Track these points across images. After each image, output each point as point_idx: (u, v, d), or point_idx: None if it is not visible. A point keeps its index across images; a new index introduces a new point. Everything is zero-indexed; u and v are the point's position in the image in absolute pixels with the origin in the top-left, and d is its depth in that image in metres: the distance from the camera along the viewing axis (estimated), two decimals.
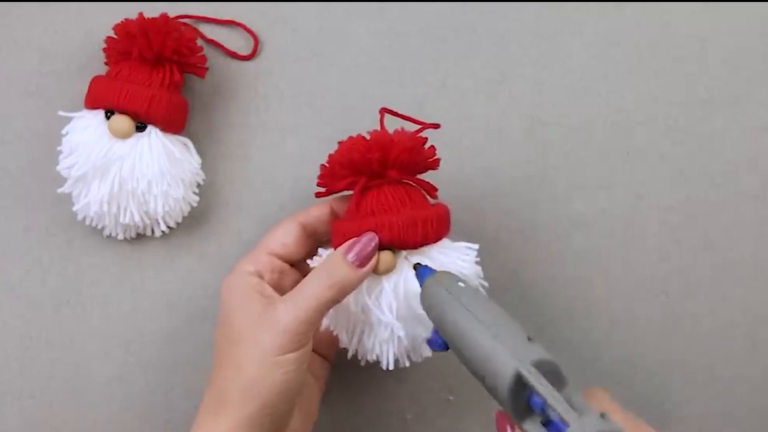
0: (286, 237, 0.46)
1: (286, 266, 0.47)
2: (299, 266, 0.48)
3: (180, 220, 0.54)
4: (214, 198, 0.55)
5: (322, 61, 0.57)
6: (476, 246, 0.46)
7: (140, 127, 0.51)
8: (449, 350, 0.40)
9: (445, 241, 0.46)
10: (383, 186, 0.45)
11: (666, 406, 0.54)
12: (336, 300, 0.43)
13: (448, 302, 0.39)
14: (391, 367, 0.45)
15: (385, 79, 0.56)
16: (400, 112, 0.49)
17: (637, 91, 0.57)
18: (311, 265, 0.45)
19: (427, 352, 0.45)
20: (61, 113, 0.52)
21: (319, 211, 0.47)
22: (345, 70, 0.57)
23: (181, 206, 0.53)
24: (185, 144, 0.53)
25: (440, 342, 0.41)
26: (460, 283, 0.40)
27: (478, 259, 0.46)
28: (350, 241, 0.43)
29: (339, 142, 0.45)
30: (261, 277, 0.45)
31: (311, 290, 0.42)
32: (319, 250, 0.46)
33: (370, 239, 0.43)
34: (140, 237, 0.54)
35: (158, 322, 0.54)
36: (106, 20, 0.52)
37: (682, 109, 0.57)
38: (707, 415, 0.54)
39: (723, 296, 0.55)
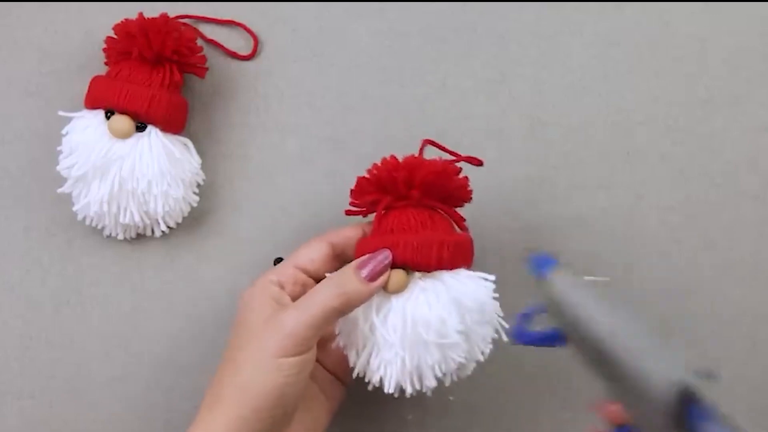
0: (314, 253, 0.46)
1: (310, 281, 0.47)
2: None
3: (180, 220, 0.54)
4: (214, 198, 0.55)
5: (322, 61, 0.57)
6: (493, 277, 0.46)
7: (140, 127, 0.51)
8: (563, 346, 0.38)
9: (461, 270, 0.45)
10: (408, 207, 0.45)
11: None
12: (342, 311, 0.43)
13: (592, 299, 0.37)
14: (392, 391, 0.44)
15: (385, 79, 0.56)
16: (444, 146, 0.49)
17: (637, 91, 0.57)
18: (327, 275, 0.45)
19: (433, 382, 0.44)
20: (61, 113, 0.52)
21: (351, 233, 0.47)
22: (345, 70, 0.57)
23: (181, 206, 0.53)
24: (185, 144, 0.53)
25: (556, 337, 0.39)
26: (586, 278, 0.39)
27: (496, 295, 0.46)
28: (364, 256, 0.44)
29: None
30: (282, 287, 0.45)
31: (318, 297, 0.43)
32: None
33: (383, 255, 0.44)
34: (140, 237, 0.54)
35: (158, 322, 0.54)
36: (106, 20, 0.52)
37: (682, 109, 0.57)
38: None
39: (723, 296, 0.55)
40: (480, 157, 0.55)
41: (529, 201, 0.55)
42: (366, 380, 0.45)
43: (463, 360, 0.44)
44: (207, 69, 0.54)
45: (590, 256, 0.55)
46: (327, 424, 0.48)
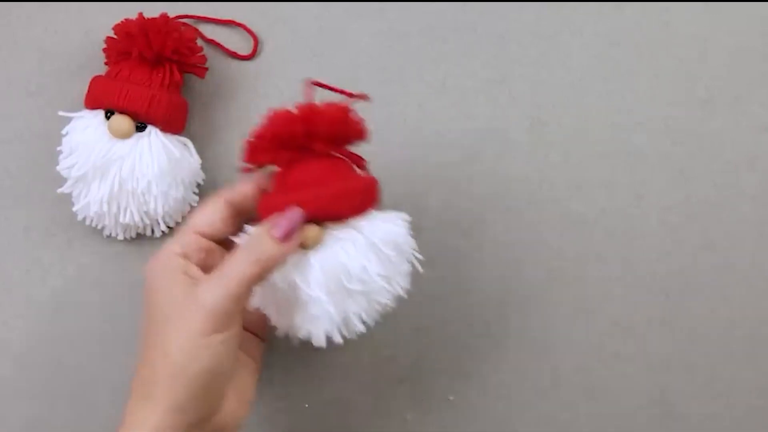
0: (212, 215, 0.44)
1: (214, 245, 0.45)
2: (227, 245, 0.46)
3: (180, 220, 0.54)
4: None
5: (322, 61, 0.57)
6: (406, 215, 0.45)
7: (140, 127, 0.51)
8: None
9: (373, 213, 0.44)
10: (310, 159, 0.43)
11: (666, 405, 0.54)
12: (261, 276, 0.41)
13: None
14: (323, 344, 0.43)
15: (385, 79, 0.56)
16: (327, 84, 0.47)
17: (637, 91, 0.57)
18: (237, 243, 0.43)
19: (361, 328, 0.44)
20: (61, 113, 0.52)
21: (245, 188, 0.45)
22: (345, 70, 0.57)
23: (181, 206, 0.53)
24: (185, 144, 0.53)
25: None
26: None
27: (408, 224, 0.45)
28: (275, 216, 0.42)
29: (264, 116, 0.44)
30: (187, 257, 0.43)
31: (235, 268, 0.41)
32: (246, 227, 0.44)
33: (294, 213, 0.42)
34: (140, 237, 0.54)
35: None
36: (106, 20, 0.52)
37: (682, 109, 0.57)
38: (707, 415, 0.54)
39: (723, 296, 0.55)
40: (480, 157, 0.55)
41: (529, 201, 0.55)
42: (290, 336, 0.44)
43: (387, 301, 0.44)
44: (207, 69, 0.54)
45: (590, 256, 0.55)
46: (255, 383, 0.46)
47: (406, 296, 0.45)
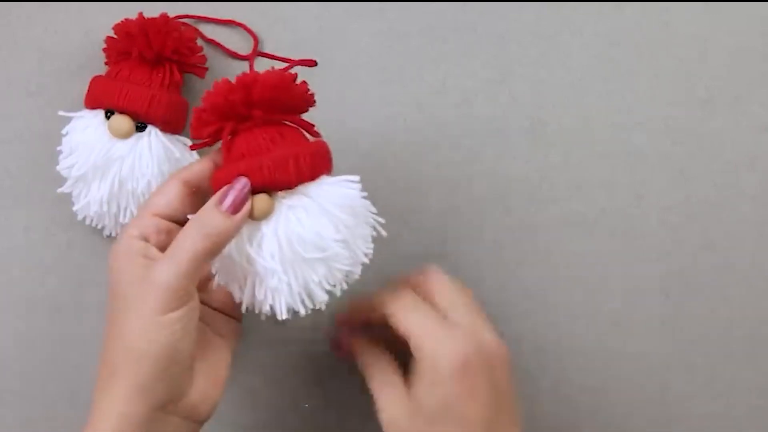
0: (168, 195, 0.44)
1: (173, 226, 0.44)
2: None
3: None
4: None
5: (322, 61, 0.57)
6: (357, 177, 0.44)
7: (140, 127, 0.51)
8: None
9: (323, 178, 0.43)
10: (253, 128, 0.43)
11: (666, 405, 0.54)
12: (213, 251, 0.41)
13: None
14: (285, 316, 0.42)
15: (385, 79, 0.56)
16: (270, 53, 0.46)
17: (637, 91, 0.57)
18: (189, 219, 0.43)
19: (324, 297, 0.43)
20: (61, 113, 0.52)
21: (200, 165, 0.45)
22: (345, 70, 0.57)
23: None
24: (185, 144, 0.53)
25: None
26: None
27: (365, 193, 0.44)
28: (222, 189, 0.41)
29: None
30: (146, 239, 0.43)
31: (185, 244, 0.40)
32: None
33: (241, 184, 0.41)
34: None
35: None
36: (106, 20, 0.52)
37: (682, 109, 0.57)
38: (707, 415, 0.54)
39: (723, 296, 0.55)
40: (480, 157, 0.55)
41: (529, 201, 0.55)
42: (256, 312, 0.44)
43: (348, 267, 0.43)
44: (207, 69, 0.54)
45: (590, 256, 0.55)
46: (229, 364, 0.46)
47: (368, 261, 0.44)
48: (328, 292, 0.43)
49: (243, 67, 0.56)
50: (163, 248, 0.42)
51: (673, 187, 0.56)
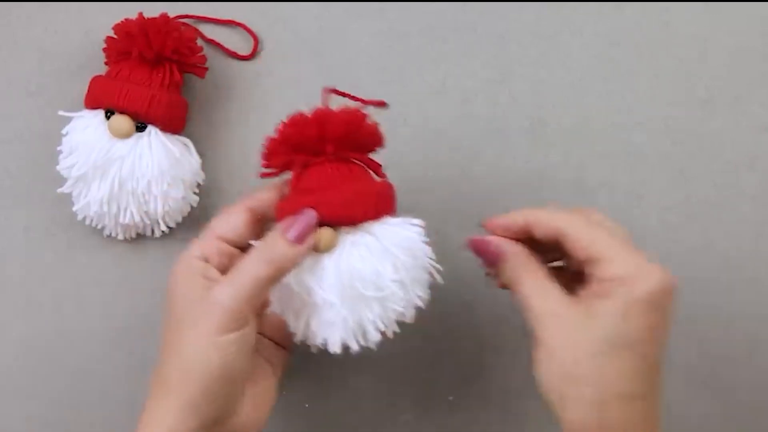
0: (233, 221, 0.45)
1: (235, 251, 0.45)
2: (248, 251, 0.46)
3: (180, 220, 0.54)
4: (214, 198, 0.55)
5: (322, 61, 0.57)
6: (419, 221, 0.45)
7: (140, 127, 0.51)
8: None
9: (387, 218, 0.44)
10: (324, 163, 0.44)
11: (666, 405, 0.54)
12: (274, 278, 0.41)
13: None
14: (338, 350, 0.43)
15: (385, 79, 0.56)
16: (344, 91, 0.47)
17: (637, 91, 0.57)
18: (253, 245, 0.44)
19: (376, 336, 0.43)
20: (61, 113, 0.52)
21: (266, 194, 0.46)
22: (345, 70, 0.57)
23: (181, 206, 0.53)
24: (185, 144, 0.53)
25: None
26: None
27: (426, 239, 0.45)
28: (288, 218, 0.42)
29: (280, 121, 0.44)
30: (207, 261, 0.44)
31: (248, 268, 0.41)
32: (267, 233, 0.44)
33: (308, 216, 0.42)
34: (140, 237, 0.54)
35: (158, 322, 0.54)
36: (106, 20, 0.52)
37: (682, 109, 0.57)
38: (707, 415, 0.54)
39: (723, 296, 0.55)
40: (480, 157, 0.55)
41: (529, 201, 0.55)
42: (308, 343, 0.44)
43: (401, 309, 0.43)
44: (207, 69, 0.54)
45: None
46: (276, 393, 0.46)
47: (423, 307, 0.44)
48: (381, 333, 0.44)
49: (243, 66, 0.56)
50: (223, 271, 0.43)
51: (673, 187, 0.56)
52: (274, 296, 0.44)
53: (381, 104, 0.47)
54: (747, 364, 0.55)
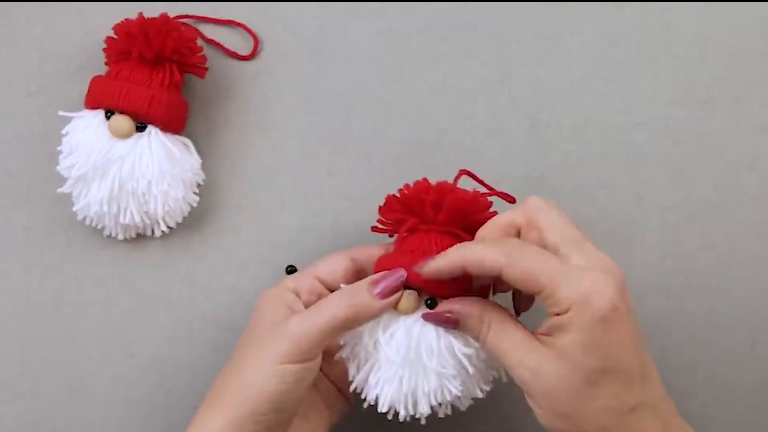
0: (335, 265, 0.46)
1: (327, 292, 0.46)
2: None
3: (180, 220, 0.54)
4: (214, 198, 0.55)
5: (322, 61, 0.57)
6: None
7: (140, 127, 0.51)
8: None
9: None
10: (431, 231, 0.45)
11: None
12: (350, 322, 0.43)
13: None
14: (384, 410, 0.44)
15: (385, 79, 0.56)
16: (479, 178, 0.49)
17: (637, 91, 0.57)
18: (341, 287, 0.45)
19: (426, 409, 0.44)
20: (61, 113, 0.52)
21: (374, 251, 0.47)
22: (345, 70, 0.57)
23: (181, 206, 0.53)
24: (185, 144, 0.53)
25: None
26: None
27: None
28: (380, 273, 0.44)
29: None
30: (298, 295, 0.45)
31: (328, 305, 0.42)
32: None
33: (397, 274, 0.43)
34: (140, 237, 0.54)
35: (158, 322, 0.54)
36: (106, 20, 0.52)
37: (682, 109, 0.57)
38: (707, 415, 0.54)
39: (723, 296, 0.55)
40: (480, 158, 0.55)
41: None
42: (363, 396, 0.45)
43: (459, 393, 0.44)
44: (207, 69, 0.54)
45: None
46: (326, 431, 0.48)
47: (482, 397, 0.45)
48: (432, 408, 0.44)
49: (243, 66, 0.56)
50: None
51: (673, 187, 0.56)
52: (345, 342, 0.45)
53: (510, 200, 0.48)
54: (747, 364, 0.55)
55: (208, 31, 0.56)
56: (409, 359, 0.43)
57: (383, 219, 0.47)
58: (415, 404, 0.44)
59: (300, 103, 0.56)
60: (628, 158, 0.56)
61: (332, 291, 0.46)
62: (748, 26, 0.58)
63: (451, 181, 0.46)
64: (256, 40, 0.56)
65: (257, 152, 0.56)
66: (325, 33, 0.57)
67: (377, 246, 0.47)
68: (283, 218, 0.55)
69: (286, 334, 0.42)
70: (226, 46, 0.56)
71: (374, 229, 0.47)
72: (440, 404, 0.44)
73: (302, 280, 0.46)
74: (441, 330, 0.43)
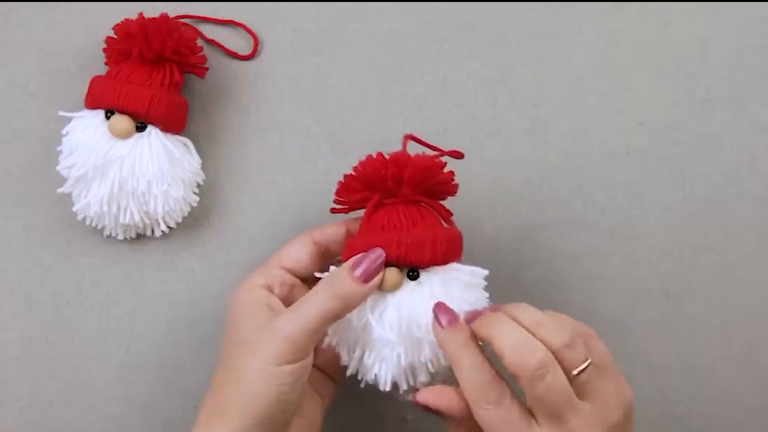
0: (299, 252, 0.46)
1: (297, 281, 0.46)
2: (310, 282, 0.47)
3: (180, 220, 0.54)
4: (214, 198, 0.55)
5: (322, 61, 0.57)
6: (485, 272, 0.46)
7: (140, 127, 0.51)
8: None
9: (453, 265, 0.45)
10: (396, 204, 0.45)
11: (666, 406, 0.54)
12: (338, 313, 0.42)
13: None
14: (388, 388, 0.44)
15: (385, 79, 0.56)
16: (423, 140, 0.49)
17: (637, 91, 0.57)
18: (319, 278, 0.45)
19: (426, 377, 0.44)
20: (61, 113, 0.52)
21: (334, 230, 0.47)
22: (345, 70, 0.57)
23: (181, 206, 0.53)
24: (185, 144, 0.53)
25: None
26: None
27: (485, 283, 0.46)
28: (357, 256, 0.43)
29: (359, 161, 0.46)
30: (270, 290, 0.45)
31: (314, 302, 0.42)
32: (330, 267, 0.45)
33: (376, 255, 0.43)
34: (140, 237, 0.54)
35: (158, 322, 0.54)
36: (106, 20, 0.52)
37: (682, 109, 0.57)
38: (707, 415, 0.54)
39: (723, 296, 0.55)
40: (480, 157, 0.55)
41: (529, 201, 0.55)
42: (359, 378, 0.45)
43: None
44: (207, 69, 0.54)
45: (590, 256, 0.55)
46: (321, 422, 0.48)
47: None
48: (431, 375, 0.44)
49: (243, 66, 0.56)
50: (284, 300, 0.44)
51: (673, 187, 0.56)
52: (331, 329, 0.45)
53: (459, 156, 0.48)
54: (747, 364, 0.55)
55: (208, 31, 0.56)
56: (404, 334, 0.43)
57: (341, 199, 0.46)
58: (414, 375, 0.44)
59: (300, 103, 0.56)
60: (628, 158, 0.56)
61: (302, 279, 0.46)
62: (748, 26, 0.58)
63: (400, 149, 0.46)
64: (256, 40, 0.56)
65: (257, 152, 0.56)
66: (325, 33, 0.57)
67: (336, 225, 0.47)
68: (283, 218, 0.55)
69: (278, 336, 0.41)
70: (226, 46, 0.56)
71: (333, 210, 0.47)
72: (438, 372, 0.45)
73: (271, 274, 0.45)
74: (426, 298, 0.43)
